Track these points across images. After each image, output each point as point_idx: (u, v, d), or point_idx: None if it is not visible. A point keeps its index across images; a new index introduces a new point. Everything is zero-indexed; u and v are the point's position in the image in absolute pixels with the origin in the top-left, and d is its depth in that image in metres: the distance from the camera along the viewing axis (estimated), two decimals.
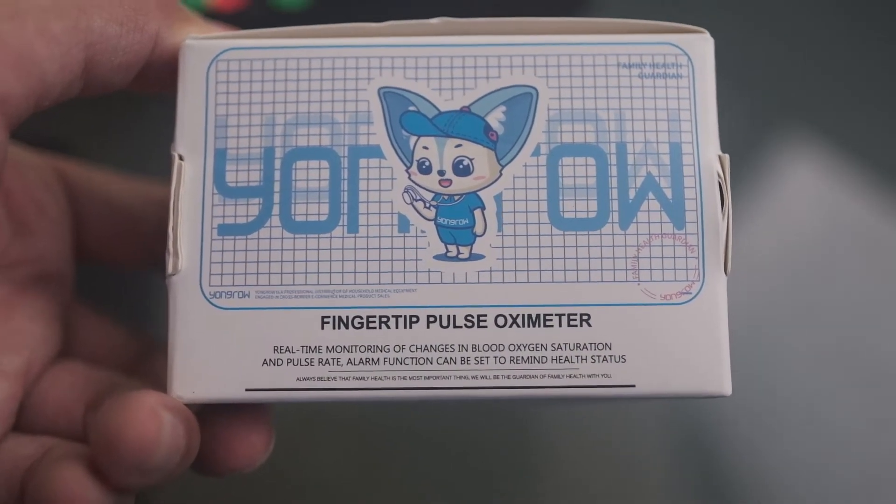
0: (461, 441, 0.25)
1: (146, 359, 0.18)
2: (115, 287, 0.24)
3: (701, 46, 0.15)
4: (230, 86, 0.15)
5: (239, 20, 0.20)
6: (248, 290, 0.14)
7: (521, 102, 0.15)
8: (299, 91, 0.15)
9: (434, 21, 0.15)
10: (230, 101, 0.15)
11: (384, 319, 0.14)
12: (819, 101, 0.35)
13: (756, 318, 0.28)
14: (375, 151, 0.15)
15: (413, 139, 0.15)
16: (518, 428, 0.25)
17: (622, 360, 0.14)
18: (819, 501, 0.26)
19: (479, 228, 0.14)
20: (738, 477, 0.26)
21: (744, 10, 0.35)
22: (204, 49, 0.15)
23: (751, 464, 0.26)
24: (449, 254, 0.14)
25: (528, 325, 0.14)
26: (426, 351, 0.14)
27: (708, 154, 0.15)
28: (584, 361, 0.14)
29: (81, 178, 0.18)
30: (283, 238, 0.15)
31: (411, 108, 0.15)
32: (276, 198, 0.15)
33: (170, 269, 0.14)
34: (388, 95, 0.15)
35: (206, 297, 0.14)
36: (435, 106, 0.15)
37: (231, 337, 0.14)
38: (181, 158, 0.15)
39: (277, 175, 0.15)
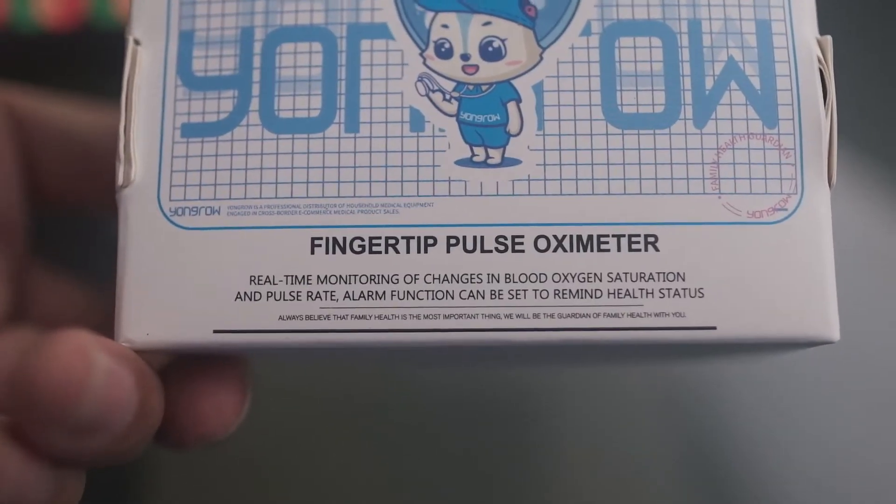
0: (460, 444, 0.23)
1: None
2: (79, 240, 0.21)
3: None
4: None
5: None
6: (219, 205, 0.11)
7: None
8: None
9: None
10: None
11: (392, 241, 0.11)
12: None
13: None
14: (381, 31, 0.12)
15: (430, 15, 0.12)
16: (520, 431, 0.24)
17: (699, 294, 0.11)
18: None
19: (513, 126, 0.11)
20: (741, 481, 0.25)
21: None
22: None
23: (754, 468, 0.25)
24: (475, 158, 0.11)
25: (578, 249, 0.11)
26: (445, 282, 0.11)
27: (804, 33, 0.11)
28: (649, 296, 0.11)
29: (32, 110, 0.15)
30: (263, 139, 0.11)
31: None
32: (256, 89, 0.11)
33: (120, 179, 0.11)
34: None
35: (165, 214, 0.11)
36: None
37: (196, 265, 0.11)
38: (137, 43, 0.12)
39: (257, 61, 0.12)
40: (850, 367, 0.27)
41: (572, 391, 0.25)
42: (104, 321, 0.15)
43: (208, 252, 0.11)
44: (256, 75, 0.11)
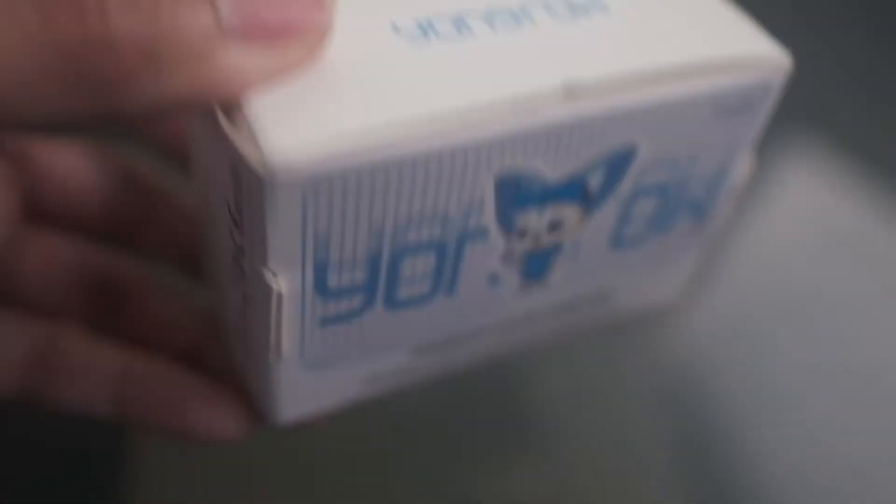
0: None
1: None
2: None
3: (781, 71, 0.15)
4: (333, 202, 0.12)
5: None
6: (350, 354, 0.15)
7: (621, 160, 0.14)
8: (411, 193, 0.13)
9: (558, 87, 0.13)
10: (333, 216, 0.12)
11: None
12: (813, 100, 0.32)
13: (749, 318, 0.29)
14: (482, 234, 0.14)
15: (519, 213, 0.14)
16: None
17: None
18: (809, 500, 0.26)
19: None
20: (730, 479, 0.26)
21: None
22: (296, 175, 0.11)
23: (742, 465, 0.26)
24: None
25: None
26: None
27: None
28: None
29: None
30: (385, 316, 0.14)
31: (523, 186, 0.14)
32: (381, 289, 0.14)
33: (271, 359, 0.14)
34: (503, 179, 0.13)
35: (306, 367, 0.15)
36: (544, 179, 0.14)
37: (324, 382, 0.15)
38: (274, 274, 0.13)
39: (384, 272, 0.14)
40: (844, 367, 0.28)
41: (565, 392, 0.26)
42: None
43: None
44: (383, 281, 0.14)
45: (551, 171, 0.14)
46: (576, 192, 0.14)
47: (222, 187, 0.13)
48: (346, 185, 0.12)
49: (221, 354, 0.17)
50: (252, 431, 0.17)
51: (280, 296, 0.13)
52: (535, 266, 0.15)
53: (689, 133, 0.15)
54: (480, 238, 0.14)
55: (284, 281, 0.13)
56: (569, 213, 0.15)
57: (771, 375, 0.28)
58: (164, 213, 0.18)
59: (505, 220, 0.14)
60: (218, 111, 0.12)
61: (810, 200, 0.32)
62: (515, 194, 0.14)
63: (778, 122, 0.31)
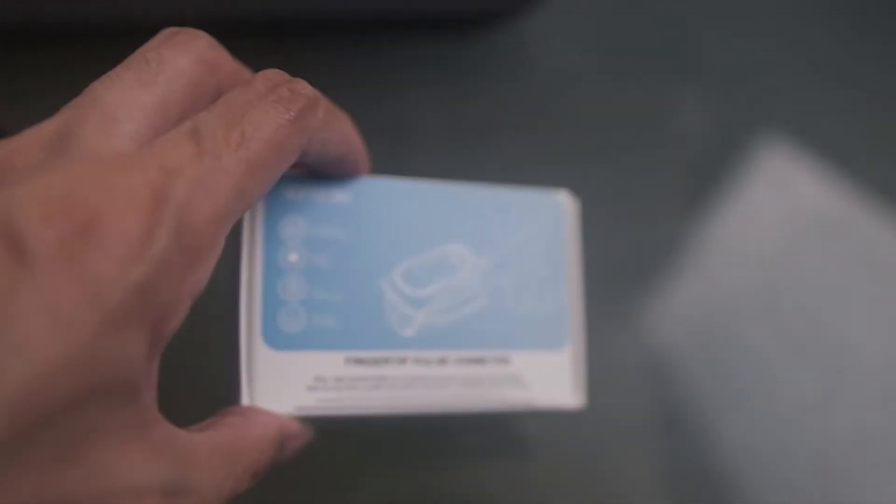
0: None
1: None
2: None
3: None
4: None
5: None
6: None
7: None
8: None
9: None
10: None
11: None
12: (782, 97, 0.34)
13: (725, 305, 0.31)
14: None
15: None
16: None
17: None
18: (776, 474, 0.29)
19: None
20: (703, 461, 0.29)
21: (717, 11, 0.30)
22: None
23: (714, 445, 0.29)
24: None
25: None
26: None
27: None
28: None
29: None
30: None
31: None
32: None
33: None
34: None
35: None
36: None
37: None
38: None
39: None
40: (812, 348, 0.30)
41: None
42: None
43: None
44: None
45: None
46: None
47: None
48: None
49: None
50: None
51: None
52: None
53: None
54: None
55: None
56: None
57: (748, 355, 0.30)
58: None
59: None
60: None
61: (786, 192, 0.34)
62: None
63: (744, 117, 0.34)
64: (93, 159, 0.14)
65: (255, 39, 0.30)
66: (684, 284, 0.32)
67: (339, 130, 0.19)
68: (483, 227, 0.23)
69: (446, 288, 0.22)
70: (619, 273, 0.32)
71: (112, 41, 0.28)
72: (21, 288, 0.13)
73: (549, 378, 0.23)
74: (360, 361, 0.21)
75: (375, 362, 0.21)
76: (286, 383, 0.21)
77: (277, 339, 0.21)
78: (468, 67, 0.32)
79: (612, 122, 0.33)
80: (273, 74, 0.18)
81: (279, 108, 0.17)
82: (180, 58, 0.17)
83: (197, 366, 0.27)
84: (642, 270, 0.32)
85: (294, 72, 0.30)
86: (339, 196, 0.22)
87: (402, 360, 0.22)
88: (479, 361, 0.22)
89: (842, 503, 0.30)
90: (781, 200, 0.34)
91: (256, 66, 0.29)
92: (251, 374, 0.20)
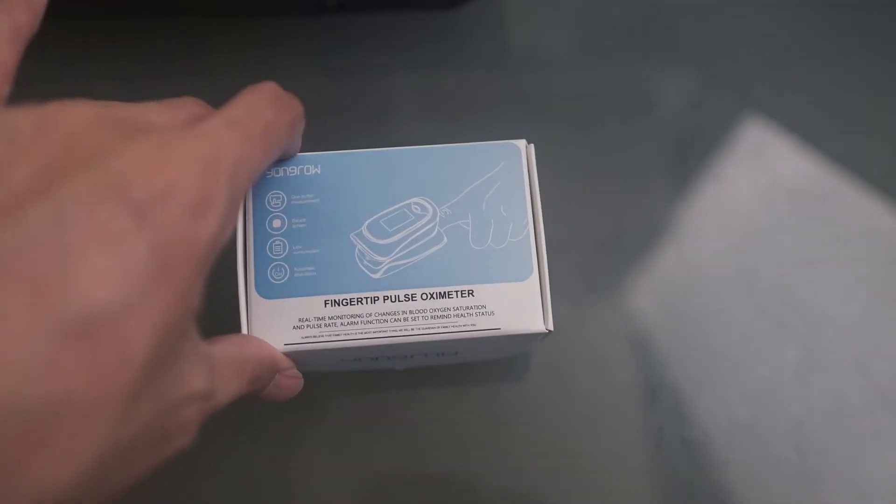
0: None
1: None
2: None
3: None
4: None
5: None
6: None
7: None
8: None
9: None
10: None
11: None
12: (759, 75, 0.35)
13: (703, 279, 0.33)
14: None
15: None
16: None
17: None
18: (754, 444, 0.30)
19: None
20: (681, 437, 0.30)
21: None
22: None
23: (693, 416, 0.30)
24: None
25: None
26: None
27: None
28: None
29: None
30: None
31: None
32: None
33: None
34: None
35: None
36: None
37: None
38: None
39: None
40: (787, 320, 0.33)
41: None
42: None
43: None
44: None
45: None
46: None
47: None
48: None
49: None
50: None
51: None
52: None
53: None
54: None
55: None
56: None
57: (726, 327, 0.31)
58: None
59: None
60: None
61: (763, 169, 0.35)
62: None
63: (733, 96, 0.35)
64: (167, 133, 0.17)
65: (230, 19, 0.35)
66: (663, 259, 0.33)
67: (301, 131, 0.24)
68: (442, 179, 0.26)
69: (408, 234, 0.26)
70: (600, 248, 0.33)
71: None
72: (137, 241, 0.15)
73: (514, 306, 0.26)
74: (336, 303, 0.25)
75: (350, 302, 0.25)
76: (276, 325, 0.25)
77: (267, 290, 0.25)
78: (446, 45, 0.35)
79: (589, 100, 0.35)
80: (274, 85, 0.23)
81: (285, 113, 0.22)
82: None
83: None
84: (622, 245, 0.33)
85: (272, 52, 0.34)
86: (311, 169, 0.27)
87: (374, 299, 0.25)
88: (444, 295, 0.26)
89: (819, 472, 0.29)
90: (758, 177, 0.34)
91: (233, 46, 0.34)
92: (249, 320, 0.25)
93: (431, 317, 0.25)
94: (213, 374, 0.21)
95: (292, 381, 0.26)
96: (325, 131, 0.33)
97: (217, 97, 0.33)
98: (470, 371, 0.32)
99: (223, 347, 0.22)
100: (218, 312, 0.31)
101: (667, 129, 0.34)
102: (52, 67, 0.33)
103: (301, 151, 0.27)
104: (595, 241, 0.33)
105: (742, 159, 0.34)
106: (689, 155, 0.34)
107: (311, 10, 0.33)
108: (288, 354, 0.25)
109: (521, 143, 0.27)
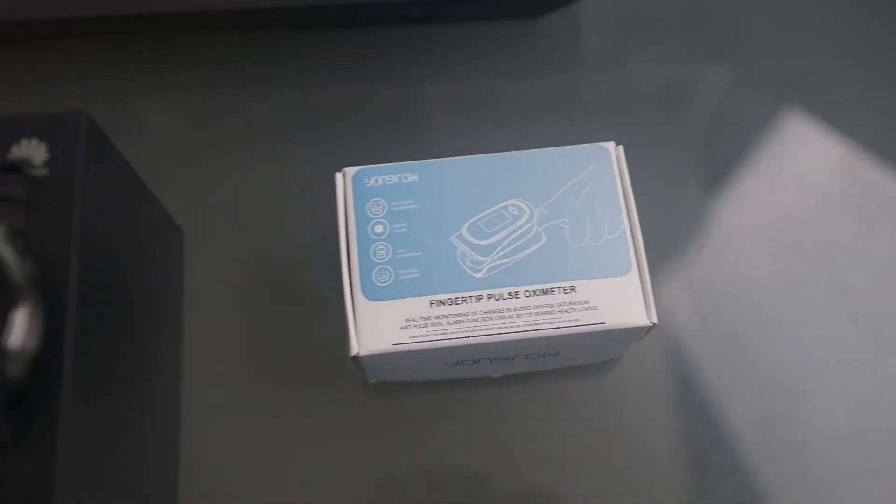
0: None
1: None
2: None
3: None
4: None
5: None
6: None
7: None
8: None
9: None
10: None
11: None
12: (804, 74, 0.36)
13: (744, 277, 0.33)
14: None
15: None
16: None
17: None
18: (789, 442, 0.30)
19: None
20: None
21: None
22: None
23: (728, 415, 0.30)
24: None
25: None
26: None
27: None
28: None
29: None
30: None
31: None
32: None
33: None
34: None
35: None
36: None
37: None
38: None
39: None
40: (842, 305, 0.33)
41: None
42: None
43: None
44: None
45: None
46: None
47: None
48: None
49: None
50: None
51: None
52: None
53: None
54: None
55: None
56: None
57: (766, 325, 0.31)
58: None
59: None
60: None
61: (805, 167, 0.34)
62: None
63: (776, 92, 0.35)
64: None
65: (314, 33, 0.36)
66: (705, 257, 0.33)
67: None
68: (535, 181, 0.27)
69: (507, 235, 0.26)
70: (650, 248, 0.33)
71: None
72: None
73: (617, 301, 0.26)
74: (441, 302, 0.26)
75: (455, 301, 0.26)
76: (383, 326, 0.26)
77: (373, 292, 0.26)
78: (525, 53, 0.36)
79: (638, 100, 0.36)
80: None
81: None
82: None
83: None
84: (666, 243, 0.33)
85: (357, 63, 0.35)
86: (409, 177, 0.27)
87: (478, 298, 0.26)
88: (547, 292, 0.26)
89: (850, 468, 0.29)
90: (801, 175, 0.34)
91: (318, 57, 0.35)
92: (356, 322, 0.26)
93: (536, 313, 0.26)
94: None
95: None
96: (412, 139, 0.34)
97: (303, 109, 0.34)
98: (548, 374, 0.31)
99: None
100: (325, 316, 0.31)
101: (708, 124, 0.35)
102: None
103: (395, 160, 0.28)
104: (650, 241, 0.33)
105: (785, 156, 0.34)
106: (732, 153, 0.34)
107: (395, 23, 0.35)
108: (393, 355, 0.26)
109: (610, 145, 0.28)
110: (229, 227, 0.32)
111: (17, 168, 0.22)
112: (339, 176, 0.28)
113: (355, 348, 0.25)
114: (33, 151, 0.22)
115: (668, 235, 0.33)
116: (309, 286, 0.32)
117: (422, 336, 0.25)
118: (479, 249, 0.26)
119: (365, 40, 0.36)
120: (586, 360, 0.30)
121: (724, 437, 0.30)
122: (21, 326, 0.19)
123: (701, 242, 0.33)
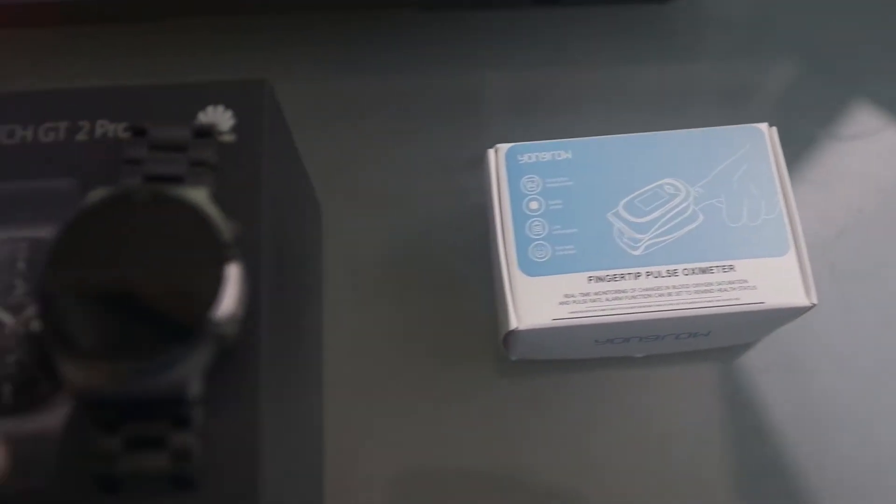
0: None
1: None
2: None
3: None
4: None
5: None
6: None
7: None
8: None
9: None
10: None
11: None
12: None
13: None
14: None
15: None
16: None
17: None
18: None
19: None
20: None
21: None
22: None
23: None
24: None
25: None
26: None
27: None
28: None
29: None
30: None
31: None
32: None
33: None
34: None
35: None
36: None
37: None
38: None
39: None
40: None
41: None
42: None
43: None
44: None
45: None
46: None
47: None
48: None
49: None
50: None
51: None
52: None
53: None
54: None
55: None
56: None
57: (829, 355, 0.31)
58: None
59: None
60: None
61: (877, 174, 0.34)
62: None
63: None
64: None
65: (441, 13, 0.36)
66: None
67: None
68: (689, 161, 0.27)
69: (664, 213, 0.26)
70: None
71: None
72: None
73: (776, 280, 0.26)
74: (599, 279, 0.26)
75: (613, 278, 0.26)
76: (541, 301, 0.26)
77: (530, 268, 0.26)
78: (652, 37, 0.36)
79: (759, 92, 0.35)
80: None
81: None
82: None
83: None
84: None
85: (480, 45, 0.35)
86: (562, 154, 0.27)
87: (637, 275, 0.26)
88: (705, 271, 0.26)
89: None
90: (871, 180, 0.33)
91: (445, 38, 0.35)
92: (514, 297, 0.26)
93: (695, 291, 0.26)
94: None
95: None
96: (537, 121, 0.34)
97: (431, 91, 0.35)
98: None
99: None
100: (464, 294, 0.31)
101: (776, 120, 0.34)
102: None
103: (535, 139, 0.27)
104: None
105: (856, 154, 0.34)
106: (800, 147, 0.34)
107: (523, 5, 0.35)
108: (551, 330, 0.26)
109: (764, 126, 0.28)
110: (365, 203, 0.33)
111: (208, 133, 0.22)
112: (490, 152, 0.28)
113: (514, 323, 0.26)
114: (219, 118, 0.23)
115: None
116: (444, 263, 0.32)
117: (581, 312, 0.25)
118: (637, 227, 0.26)
119: (484, 22, 0.36)
120: (733, 341, 0.30)
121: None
122: (233, 288, 0.19)
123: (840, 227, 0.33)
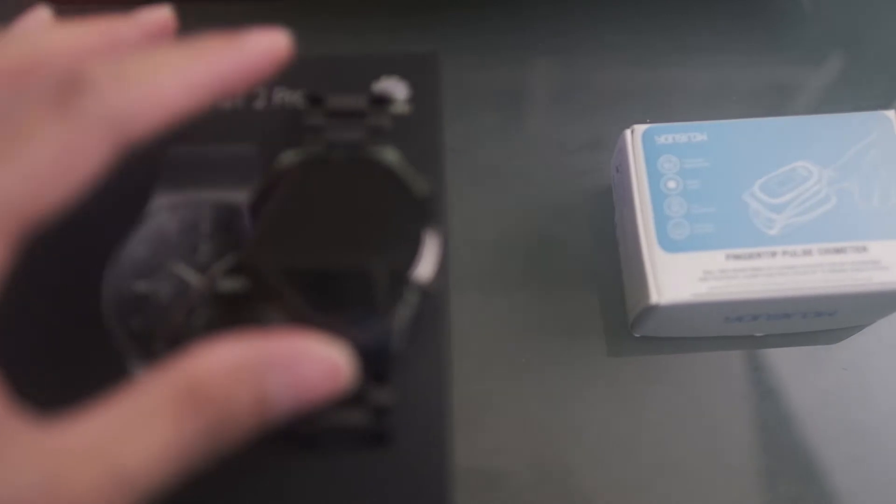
0: None
1: None
2: None
3: None
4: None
5: None
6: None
7: None
8: None
9: None
10: None
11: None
12: None
13: None
14: None
15: None
16: None
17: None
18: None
19: None
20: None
21: None
22: None
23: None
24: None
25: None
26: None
27: None
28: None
29: None
30: None
31: None
32: None
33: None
34: None
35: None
36: None
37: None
38: None
39: None
40: None
41: None
42: None
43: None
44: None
45: None
46: None
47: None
48: None
49: None
50: None
51: None
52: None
53: None
54: None
55: None
56: None
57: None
58: None
59: None
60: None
61: None
62: None
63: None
64: None
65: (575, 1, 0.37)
66: None
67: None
68: (822, 144, 0.28)
69: (799, 195, 0.27)
70: None
71: None
72: None
73: None
74: (737, 257, 0.27)
75: (750, 256, 0.27)
76: (681, 277, 0.26)
77: (670, 245, 0.27)
78: (740, 30, 0.37)
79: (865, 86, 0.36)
80: None
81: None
82: None
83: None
84: None
85: (560, 28, 0.36)
86: (697, 136, 0.28)
87: (773, 254, 0.27)
88: (839, 251, 0.27)
89: None
90: None
91: (519, 20, 0.36)
92: (655, 273, 0.27)
93: (830, 271, 0.26)
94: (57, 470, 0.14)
95: (325, 370, 0.17)
96: (629, 109, 0.35)
97: (559, 74, 0.35)
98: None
99: (88, 426, 0.15)
100: (587, 270, 0.32)
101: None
102: None
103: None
104: None
105: None
106: None
107: None
108: (690, 306, 0.26)
109: (892, 113, 0.28)
110: (485, 183, 0.33)
111: (385, 101, 0.23)
112: (627, 133, 0.29)
113: (655, 297, 0.26)
114: (393, 88, 0.24)
115: None
116: (568, 240, 0.32)
117: (721, 287, 0.26)
118: (773, 207, 0.27)
119: (568, 6, 0.37)
120: (855, 321, 0.31)
121: None
122: (433, 246, 0.20)
123: None
